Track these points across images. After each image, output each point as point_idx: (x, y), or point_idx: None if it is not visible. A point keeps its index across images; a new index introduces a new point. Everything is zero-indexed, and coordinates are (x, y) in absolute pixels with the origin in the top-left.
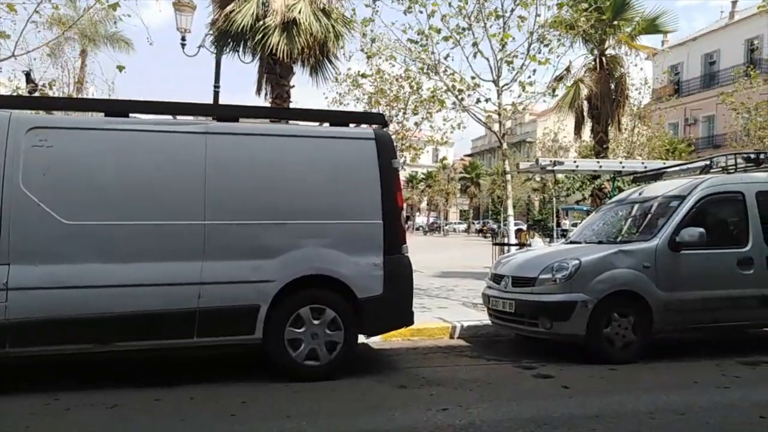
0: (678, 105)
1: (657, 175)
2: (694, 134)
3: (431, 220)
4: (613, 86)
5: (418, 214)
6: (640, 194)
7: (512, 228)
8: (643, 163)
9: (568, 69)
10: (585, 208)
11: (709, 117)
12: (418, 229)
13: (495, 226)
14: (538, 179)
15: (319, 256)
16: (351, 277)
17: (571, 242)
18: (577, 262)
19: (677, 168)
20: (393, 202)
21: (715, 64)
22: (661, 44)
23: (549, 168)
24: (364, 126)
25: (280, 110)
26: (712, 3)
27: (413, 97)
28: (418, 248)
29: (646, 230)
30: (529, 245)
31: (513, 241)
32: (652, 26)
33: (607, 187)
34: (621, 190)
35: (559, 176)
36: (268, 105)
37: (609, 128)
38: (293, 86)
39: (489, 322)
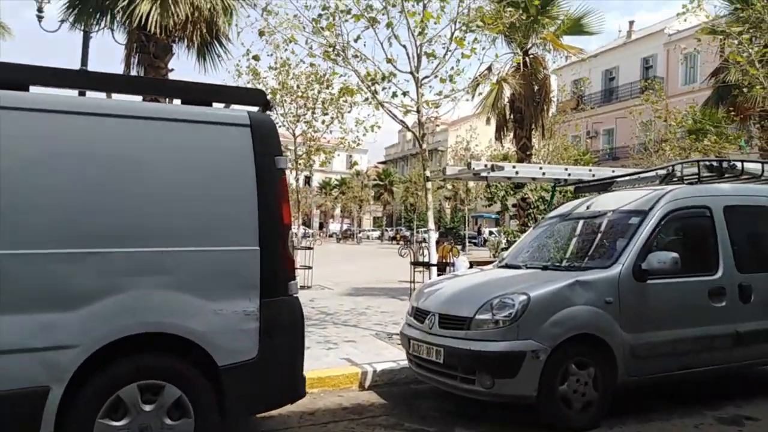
0: (582, 118)
1: (605, 185)
2: (594, 146)
3: (345, 227)
4: (537, 88)
5: (331, 221)
6: (587, 207)
7: (433, 246)
8: (590, 170)
9: (489, 68)
10: (493, 216)
11: (609, 130)
12: (331, 236)
13: (408, 233)
14: (449, 187)
15: (154, 304)
16: (207, 335)
17: (508, 265)
18: (524, 297)
19: (630, 177)
20: (276, 218)
21: (615, 80)
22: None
23: (483, 174)
24: (235, 107)
25: (83, 74)
26: (611, 24)
27: (322, 94)
28: (330, 258)
29: (602, 254)
30: (452, 266)
31: (434, 258)
32: (577, 26)
33: (531, 197)
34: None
35: (471, 184)
36: None
37: (533, 133)
38: (172, 70)
39: (407, 362)
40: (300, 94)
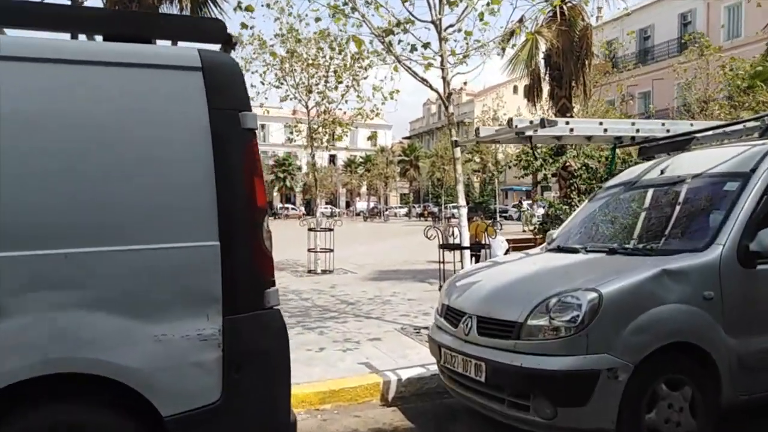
0: (615, 81)
1: (683, 143)
2: (630, 111)
3: (371, 205)
4: (576, 39)
5: (358, 199)
6: (662, 172)
7: (465, 224)
8: (663, 123)
9: (521, 20)
10: (524, 189)
11: (645, 93)
12: (358, 214)
13: (436, 209)
14: (477, 160)
15: (64, 331)
16: (143, 373)
17: (560, 248)
18: (594, 296)
19: (714, 131)
20: (243, 199)
21: (650, 39)
22: (595, 21)
23: (529, 132)
24: (183, 45)
25: None
26: None
27: (335, 61)
28: (356, 238)
29: (691, 233)
30: (488, 247)
31: (466, 239)
32: None
33: (572, 164)
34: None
35: (500, 155)
36: None
37: (573, 92)
38: None
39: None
40: (311, 61)
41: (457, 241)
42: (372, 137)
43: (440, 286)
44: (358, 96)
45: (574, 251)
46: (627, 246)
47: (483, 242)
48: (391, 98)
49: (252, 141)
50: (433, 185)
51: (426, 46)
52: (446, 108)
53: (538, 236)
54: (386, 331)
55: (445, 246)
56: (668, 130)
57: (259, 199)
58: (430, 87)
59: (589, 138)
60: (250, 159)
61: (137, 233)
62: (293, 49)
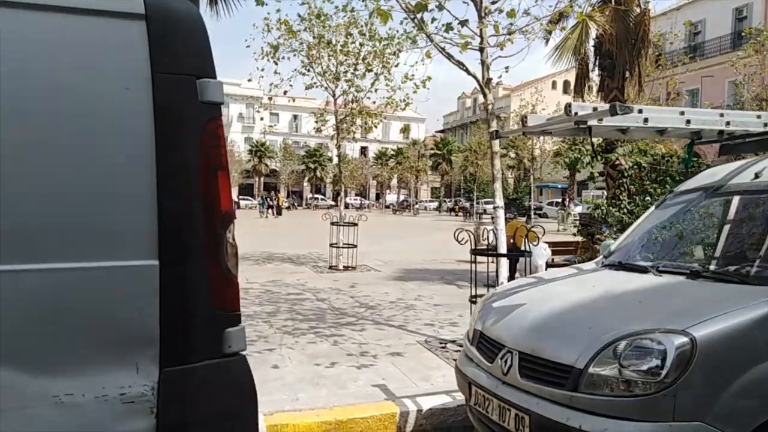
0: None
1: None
2: None
3: (401, 198)
4: (632, 26)
5: (388, 192)
6: (757, 176)
7: (502, 227)
8: (759, 116)
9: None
10: (559, 186)
11: (692, 91)
12: (388, 207)
13: (467, 205)
14: (512, 155)
15: None
16: None
17: (622, 265)
18: (684, 341)
19: None
20: (198, 202)
21: (700, 35)
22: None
23: (591, 121)
24: None
25: None
26: None
27: (365, 47)
28: (384, 233)
29: None
30: (528, 255)
31: (504, 244)
32: None
33: (623, 163)
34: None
35: (537, 151)
36: None
37: (626, 83)
38: None
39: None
40: (339, 48)
41: (489, 242)
42: (404, 130)
43: (472, 297)
44: (387, 84)
45: (642, 270)
46: (714, 268)
47: (522, 248)
48: (423, 86)
49: (215, 121)
50: (466, 180)
51: (464, 23)
52: (484, 96)
53: (580, 239)
54: (408, 344)
55: (479, 252)
56: (766, 124)
57: (223, 201)
58: (467, 71)
59: (662, 132)
60: (210, 146)
61: (32, 246)
62: (321, 34)
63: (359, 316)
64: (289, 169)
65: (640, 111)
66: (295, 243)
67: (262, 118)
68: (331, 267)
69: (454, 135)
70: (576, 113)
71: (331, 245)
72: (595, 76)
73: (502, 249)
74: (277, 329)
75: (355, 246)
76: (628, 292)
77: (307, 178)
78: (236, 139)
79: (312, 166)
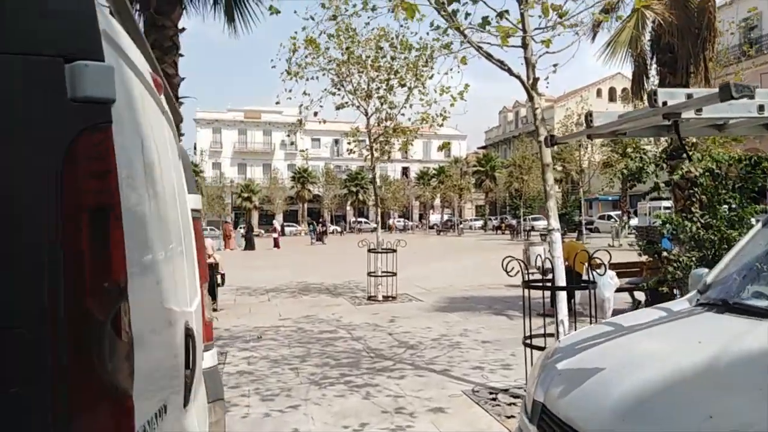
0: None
1: None
2: None
3: (445, 217)
4: (695, 14)
5: (431, 212)
6: None
7: (560, 255)
8: None
9: None
10: (610, 198)
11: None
12: (431, 227)
13: (514, 222)
14: (559, 168)
15: None
16: None
17: (727, 304)
18: None
19: None
20: (57, 269)
21: (757, 29)
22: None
23: (688, 114)
24: None
25: None
26: None
27: (397, 62)
28: (427, 255)
29: None
30: (592, 286)
31: (562, 276)
32: None
33: (693, 171)
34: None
35: (585, 164)
36: None
37: (690, 79)
38: (183, 29)
39: None
40: (370, 63)
41: (541, 267)
42: (444, 147)
43: (526, 338)
44: (422, 99)
45: (762, 314)
46: None
47: (581, 273)
48: (461, 98)
49: (97, 131)
50: (511, 196)
51: (502, 15)
52: (531, 99)
53: (645, 258)
54: (452, 396)
55: (533, 285)
56: None
57: (114, 265)
58: (510, 72)
59: None
60: (87, 171)
61: None
62: (351, 49)
63: (397, 358)
64: (331, 193)
65: (751, 95)
66: (335, 271)
67: (292, 143)
68: (369, 298)
69: (496, 150)
70: (665, 103)
71: (369, 274)
72: (655, 70)
73: (561, 280)
74: (304, 378)
75: (395, 274)
76: (753, 353)
77: (349, 202)
78: (279, 167)
79: (354, 189)
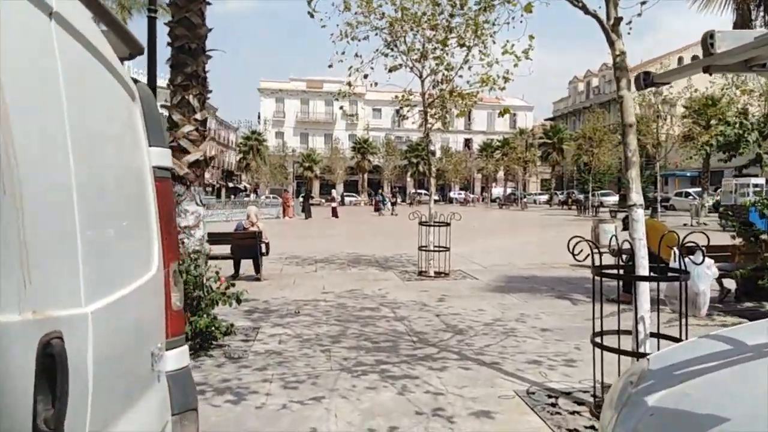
0: None
1: None
2: None
3: (508, 191)
4: None
5: (494, 185)
6: None
7: (642, 238)
8: None
9: None
10: (688, 174)
11: None
12: (494, 201)
13: (581, 197)
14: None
15: None
16: None
17: None
18: None
19: None
20: None
21: None
22: None
23: None
24: None
25: None
26: None
27: (455, 19)
28: (488, 230)
29: None
30: (684, 277)
31: (645, 264)
32: None
33: None
34: None
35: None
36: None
37: None
38: (210, 3)
39: None
40: (426, 20)
41: (616, 248)
42: (505, 112)
43: (594, 336)
44: (483, 59)
45: None
46: None
47: (667, 260)
48: (526, 57)
49: None
50: (579, 170)
51: None
52: (611, 45)
53: (739, 241)
54: (502, 397)
55: (607, 273)
56: None
57: None
58: (585, 9)
59: None
60: None
61: None
62: (404, 6)
63: (442, 345)
64: (391, 164)
65: None
66: (388, 243)
67: (348, 113)
68: (420, 273)
69: (565, 122)
70: None
71: (420, 248)
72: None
73: (643, 269)
74: (335, 363)
75: (447, 249)
76: None
77: (409, 173)
78: (340, 137)
79: (414, 160)
